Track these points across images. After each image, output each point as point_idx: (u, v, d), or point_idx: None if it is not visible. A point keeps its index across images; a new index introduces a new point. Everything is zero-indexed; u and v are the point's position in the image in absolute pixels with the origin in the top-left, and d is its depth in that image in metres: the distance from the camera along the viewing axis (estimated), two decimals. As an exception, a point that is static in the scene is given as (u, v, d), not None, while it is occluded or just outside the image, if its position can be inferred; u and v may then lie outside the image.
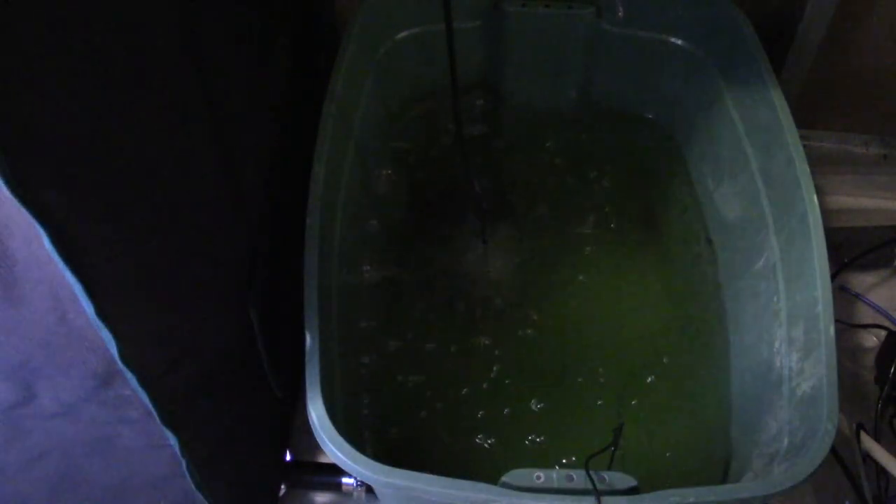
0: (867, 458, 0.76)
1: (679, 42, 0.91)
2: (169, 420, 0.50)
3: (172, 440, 0.51)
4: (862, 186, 1.02)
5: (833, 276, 0.87)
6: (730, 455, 0.74)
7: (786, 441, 0.63)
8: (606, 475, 0.56)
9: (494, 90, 0.98)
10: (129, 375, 0.45)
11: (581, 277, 0.88)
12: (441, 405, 0.79)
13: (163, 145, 0.43)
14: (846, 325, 0.88)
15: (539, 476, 0.56)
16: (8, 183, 0.32)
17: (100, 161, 0.38)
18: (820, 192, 0.69)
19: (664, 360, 0.82)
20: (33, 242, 0.36)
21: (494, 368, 0.81)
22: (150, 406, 0.48)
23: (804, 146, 0.72)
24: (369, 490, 0.75)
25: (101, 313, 0.40)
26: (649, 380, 0.80)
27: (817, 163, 1.02)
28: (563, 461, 0.75)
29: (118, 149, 0.39)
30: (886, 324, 0.89)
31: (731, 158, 0.84)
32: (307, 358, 0.60)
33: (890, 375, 0.80)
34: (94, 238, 0.38)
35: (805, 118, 1.00)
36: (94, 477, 0.58)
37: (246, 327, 0.58)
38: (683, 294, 0.86)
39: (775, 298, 0.71)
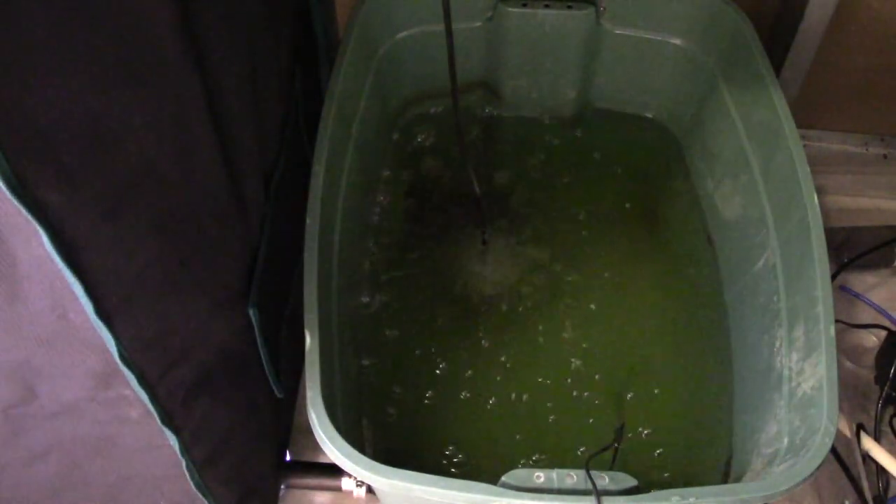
0: (867, 458, 0.76)
1: (679, 42, 0.91)
2: (169, 420, 0.50)
3: (172, 440, 0.51)
4: (862, 186, 1.02)
5: (833, 276, 0.87)
6: (730, 455, 0.74)
7: (786, 441, 0.63)
8: (606, 475, 0.56)
9: (494, 90, 0.98)
10: (129, 375, 0.45)
11: (581, 277, 0.88)
12: (441, 405, 0.79)
13: (163, 145, 0.43)
14: (846, 325, 0.88)
15: (539, 476, 0.56)
16: (8, 183, 0.32)
17: (100, 161, 0.38)
18: (820, 192, 0.69)
19: (664, 360, 0.82)
20: (33, 241, 0.36)
21: (494, 368, 0.81)
22: (150, 406, 0.48)
23: (804, 146, 0.72)
24: (369, 490, 0.75)
25: (101, 313, 0.40)
26: (649, 380, 0.80)
27: (817, 163, 1.02)
28: (563, 461, 0.75)
29: (118, 148, 0.39)
30: (886, 324, 0.89)
31: (731, 158, 0.84)
32: (307, 358, 0.60)
33: (890, 375, 0.80)
34: (94, 238, 0.38)
35: (805, 118, 1.00)
36: (94, 476, 0.58)
37: (246, 327, 0.58)
38: (683, 294, 0.86)
39: (775, 298, 0.71)
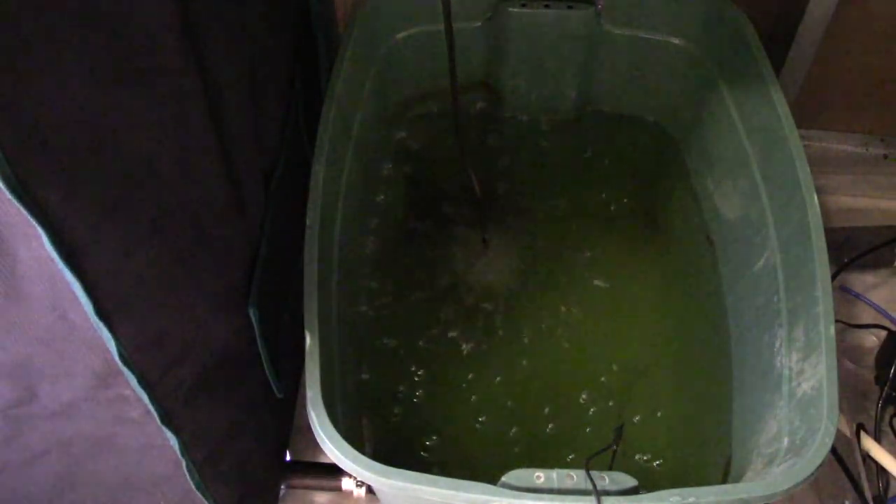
0: (867, 458, 0.76)
1: (679, 42, 0.91)
2: (169, 420, 0.50)
3: (172, 440, 0.51)
4: (862, 186, 1.02)
5: (833, 276, 0.87)
6: (730, 455, 0.74)
7: (786, 441, 0.63)
8: (606, 475, 0.56)
9: (494, 90, 0.98)
10: (129, 375, 0.45)
11: (581, 277, 0.88)
12: (441, 405, 0.79)
13: (163, 145, 0.43)
14: (846, 325, 0.88)
15: (539, 476, 0.56)
16: (8, 183, 0.32)
17: (99, 161, 0.38)
18: (820, 192, 0.69)
19: (664, 360, 0.82)
20: (33, 241, 0.36)
21: (495, 368, 0.81)
22: (150, 406, 0.48)
23: (804, 146, 0.72)
24: (369, 490, 0.75)
25: (101, 313, 0.40)
26: (649, 380, 0.80)
27: (817, 163, 1.02)
28: (563, 461, 0.75)
29: (118, 148, 0.39)
30: (886, 324, 0.89)
31: (731, 158, 0.84)
32: (307, 358, 0.60)
33: (890, 375, 0.80)
34: (94, 238, 0.38)
35: (805, 118, 1.00)
36: (94, 476, 0.58)
37: (246, 327, 0.58)
38: (683, 294, 0.86)
39: (775, 298, 0.71)
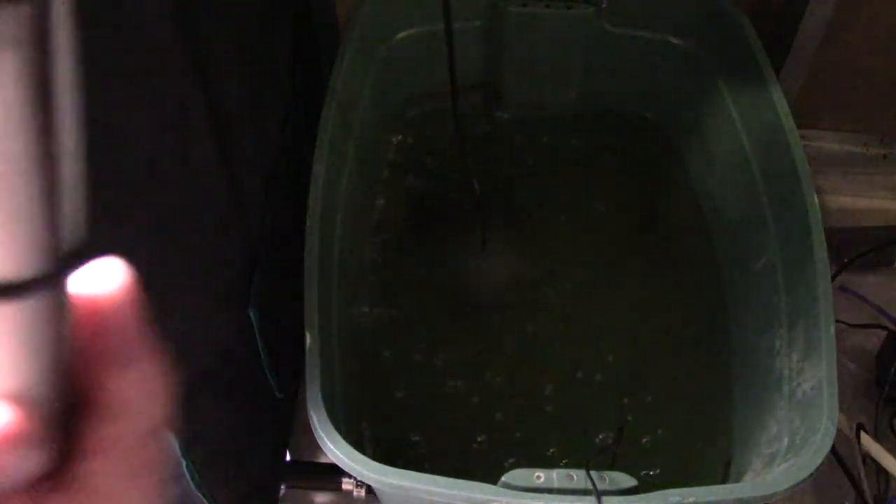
0: (867, 458, 0.76)
1: (679, 42, 0.91)
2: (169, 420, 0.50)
3: (172, 440, 0.51)
4: (862, 186, 1.02)
5: (833, 276, 0.87)
6: (730, 455, 0.74)
7: (786, 441, 0.63)
8: (606, 475, 0.56)
9: (494, 90, 0.98)
10: (129, 375, 0.45)
11: (581, 277, 0.88)
12: (441, 406, 0.79)
13: (163, 145, 0.43)
14: (846, 325, 0.88)
15: (539, 476, 0.56)
16: (8, 183, 0.32)
17: (99, 161, 0.37)
18: (820, 192, 0.69)
19: (664, 361, 0.82)
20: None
21: (495, 370, 0.81)
22: (150, 406, 0.48)
23: (804, 146, 0.72)
24: (369, 490, 0.75)
25: (101, 313, 0.40)
26: (649, 380, 0.80)
27: (817, 163, 1.02)
28: (564, 461, 0.75)
29: (118, 148, 0.39)
30: (886, 324, 0.89)
31: (731, 158, 0.84)
32: (307, 358, 0.60)
33: (890, 375, 0.80)
34: (93, 238, 0.38)
35: (805, 118, 1.00)
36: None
37: (246, 327, 0.58)
38: (683, 294, 0.86)
39: (775, 298, 0.71)
